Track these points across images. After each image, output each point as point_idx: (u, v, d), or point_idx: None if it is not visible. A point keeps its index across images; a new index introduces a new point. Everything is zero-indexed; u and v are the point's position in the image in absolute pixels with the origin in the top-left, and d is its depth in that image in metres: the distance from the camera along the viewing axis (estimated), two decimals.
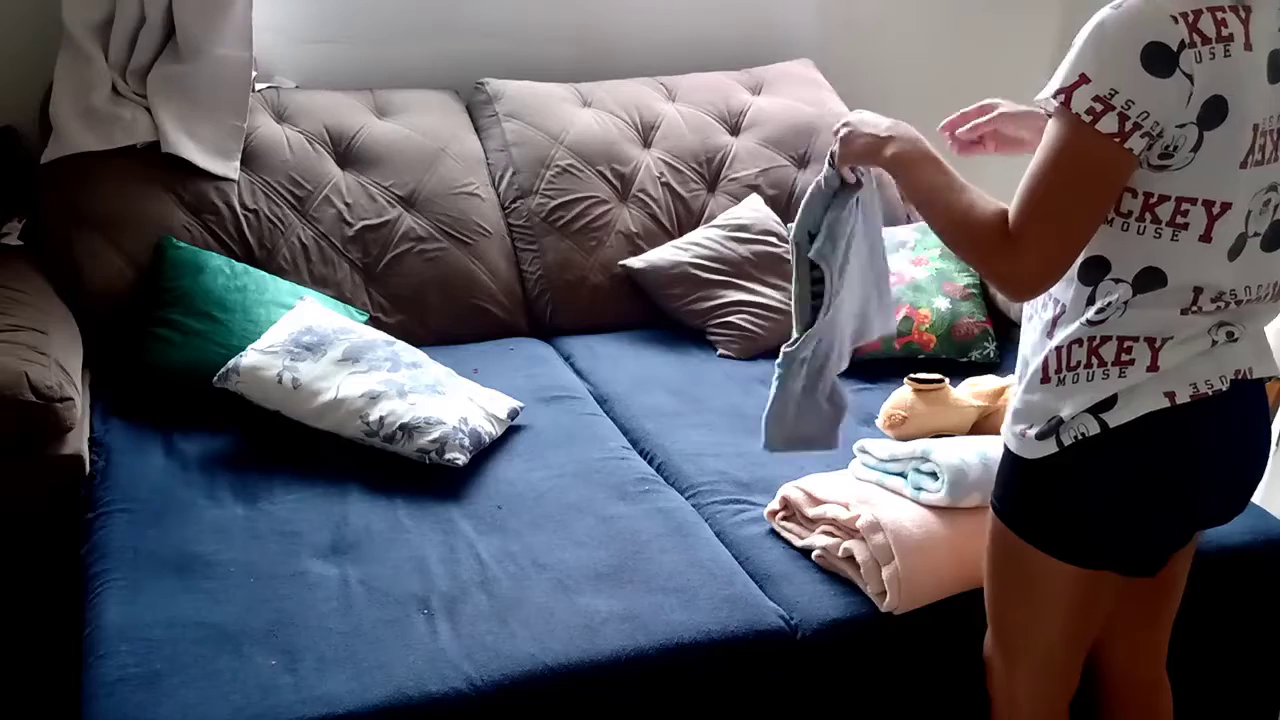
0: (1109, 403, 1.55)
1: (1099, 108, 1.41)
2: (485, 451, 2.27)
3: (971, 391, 2.33)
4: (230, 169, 2.68)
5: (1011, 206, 1.49)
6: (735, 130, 3.14)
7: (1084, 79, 1.42)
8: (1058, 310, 1.59)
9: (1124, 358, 1.55)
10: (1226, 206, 1.49)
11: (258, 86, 2.83)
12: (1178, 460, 1.59)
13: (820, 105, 3.25)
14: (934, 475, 1.99)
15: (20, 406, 2.03)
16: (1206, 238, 1.49)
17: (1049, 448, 1.58)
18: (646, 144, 3.05)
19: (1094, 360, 1.56)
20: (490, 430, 2.28)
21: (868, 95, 3.38)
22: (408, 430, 2.19)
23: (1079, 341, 1.56)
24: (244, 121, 2.72)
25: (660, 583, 1.94)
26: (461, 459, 2.18)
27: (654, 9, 3.27)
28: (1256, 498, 2.33)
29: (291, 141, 2.77)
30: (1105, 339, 1.55)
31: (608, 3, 3.22)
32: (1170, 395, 1.54)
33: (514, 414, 2.36)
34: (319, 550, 1.97)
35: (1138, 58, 1.40)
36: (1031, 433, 1.60)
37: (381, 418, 2.20)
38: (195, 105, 2.67)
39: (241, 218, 2.66)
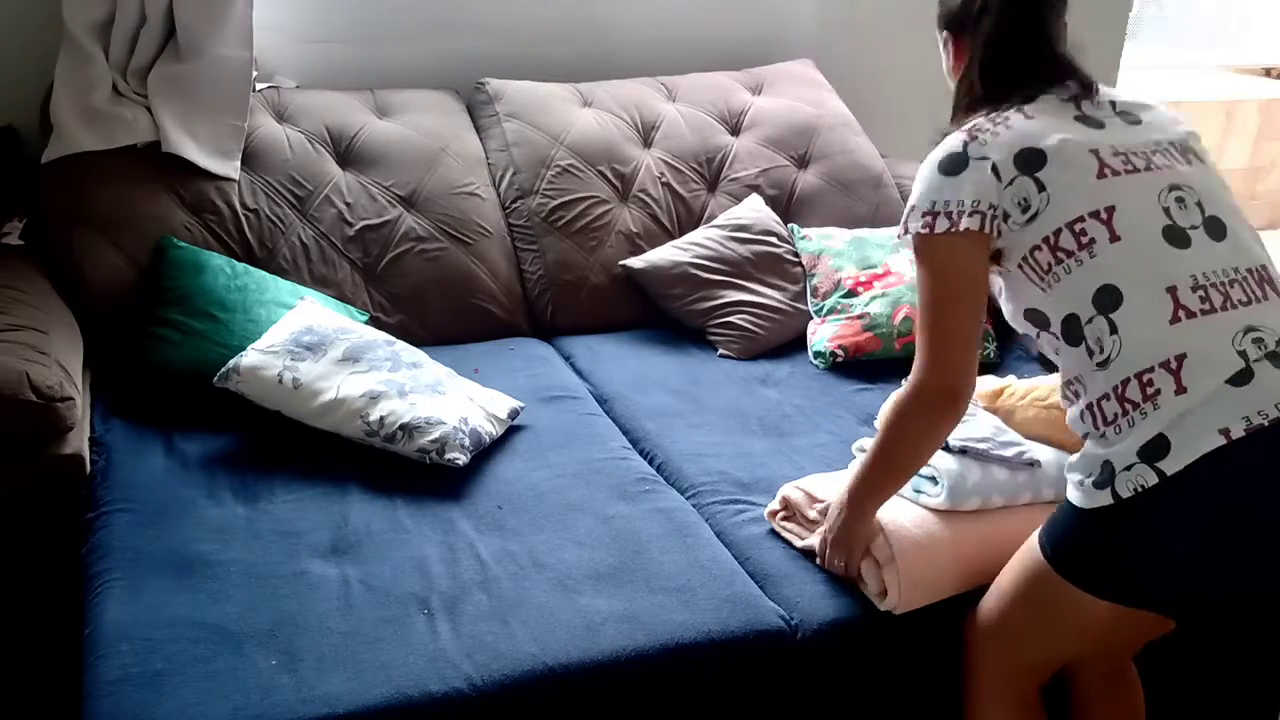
0: (1161, 448, 1.56)
1: (930, 219, 1.71)
2: (486, 451, 2.27)
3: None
4: (231, 169, 2.68)
5: (916, 351, 1.75)
6: (735, 130, 3.14)
7: (912, 210, 1.75)
8: (1076, 382, 1.69)
9: (1149, 390, 1.59)
10: (1111, 209, 1.65)
11: (258, 86, 2.83)
12: (1245, 496, 1.58)
13: (820, 105, 3.25)
14: (933, 480, 1.99)
15: (21, 406, 2.03)
16: (1115, 237, 1.64)
17: (1105, 498, 1.60)
18: (647, 144, 3.05)
19: (1126, 406, 1.60)
20: (490, 430, 2.28)
21: (868, 95, 3.39)
22: (408, 430, 2.19)
23: (1106, 396, 1.63)
24: (244, 121, 2.72)
25: (660, 583, 1.94)
26: (462, 459, 2.18)
27: (654, 9, 3.27)
28: None
29: (292, 141, 2.78)
30: (1125, 381, 1.60)
31: (608, 3, 3.22)
32: (1225, 432, 1.54)
33: (514, 414, 2.36)
34: (319, 550, 1.97)
35: (938, 172, 1.74)
36: (1089, 482, 1.63)
37: (382, 418, 2.20)
38: (196, 105, 2.67)
39: (242, 217, 2.66)
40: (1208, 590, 1.65)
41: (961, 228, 1.69)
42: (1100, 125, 1.75)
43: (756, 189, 3.05)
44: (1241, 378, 1.56)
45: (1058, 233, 1.67)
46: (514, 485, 2.19)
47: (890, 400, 1.83)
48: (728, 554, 2.05)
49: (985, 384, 2.30)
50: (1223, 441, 1.54)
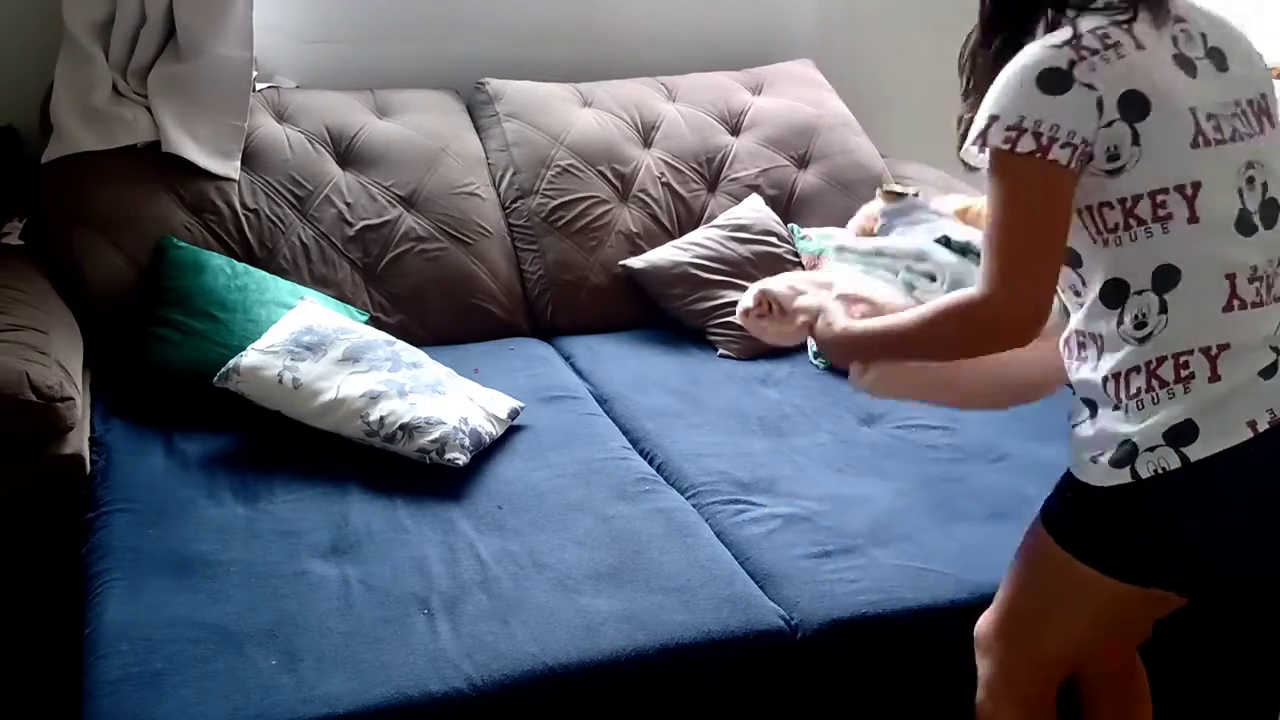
0: (1189, 433, 1.53)
1: (1014, 135, 1.52)
2: (485, 451, 2.27)
3: (947, 205, 2.03)
4: (231, 169, 2.68)
5: (982, 266, 1.57)
6: (735, 130, 3.14)
7: (994, 119, 1.54)
8: (1098, 344, 1.61)
9: (1183, 374, 1.54)
10: (1197, 186, 1.54)
11: (258, 86, 2.83)
12: (1264, 482, 1.57)
13: (820, 105, 3.25)
14: (931, 277, 1.78)
15: (21, 406, 2.03)
16: (1194, 219, 1.54)
17: (1123, 477, 1.56)
18: (647, 144, 3.05)
19: (1154, 383, 1.55)
20: (490, 430, 2.28)
21: (868, 95, 3.39)
22: (408, 430, 2.19)
23: (1136, 369, 1.56)
24: (244, 121, 2.72)
25: (660, 583, 1.94)
26: (462, 459, 2.18)
27: (654, 9, 3.27)
28: None
29: (292, 141, 2.78)
30: (1161, 359, 1.55)
31: (608, 3, 3.22)
32: (1252, 424, 1.52)
33: (514, 414, 2.36)
34: (319, 550, 1.97)
35: (1034, 85, 1.53)
36: (1104, 459, 1.58)
37: (382, 417, 2.20)
38: (196, 105, 2.67)
39: (242, 217, 2.66)
40: (1218, 571, 1.64)
41: (1050, 156, 1.52)
42: (1194, 71, 1.60)
43: (756, 189, 3.05)
44: (1271, 369, 1.55)
45: (1137, 198, 1.55)
46: (514, 485, 2.19)
47: (952, 297, 1.63)
48: (728, 554, 2.05)
49: (950, 202, 2.09)
50: (1250, 435, 1.52)
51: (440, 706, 1.69)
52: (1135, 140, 1.53)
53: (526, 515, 2.10)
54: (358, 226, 2.74)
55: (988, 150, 1.54)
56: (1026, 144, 1.51)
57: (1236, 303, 1.54)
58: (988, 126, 1.54)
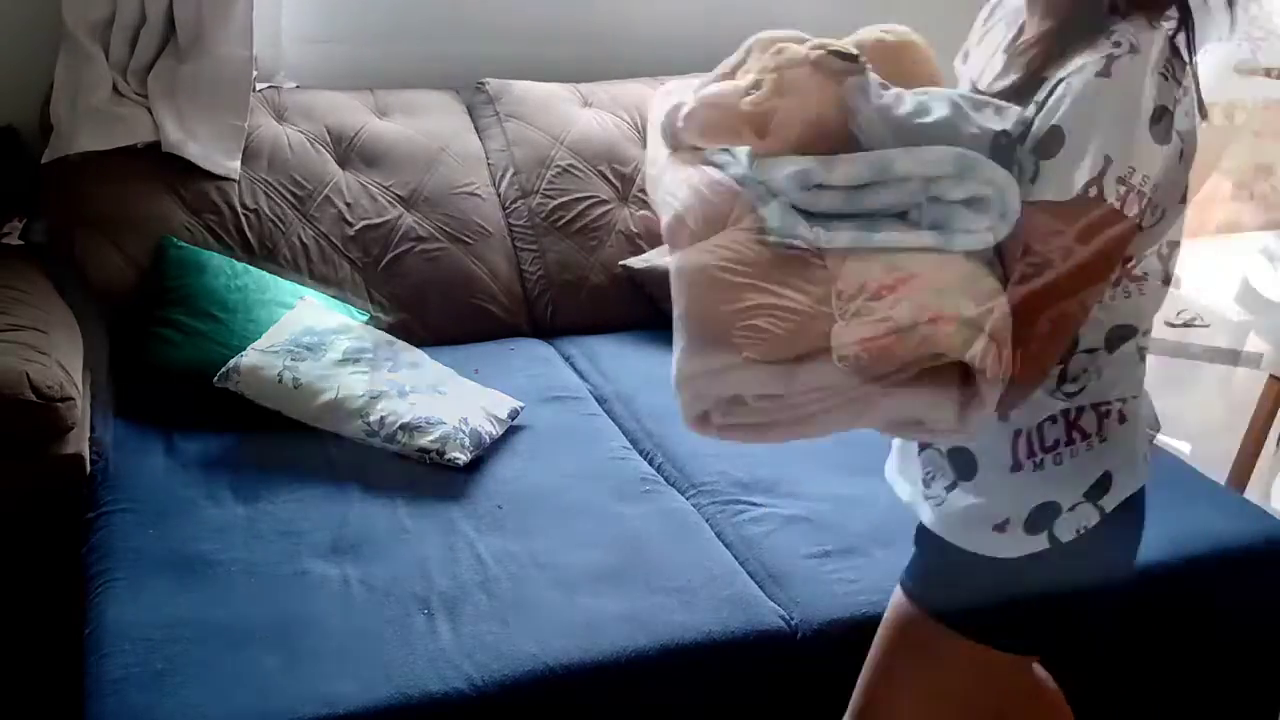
0: (1104, 485, 1.41)
1: (1123, 189, 1.24)
2: (486, 451, 2.27)
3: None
4: (231, 169, 2.68)
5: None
6: None
7: (1107, 161, 1.24)
8: None
9: (1104, 422, 1.41)
10: (1174, 245, 1.40)
11: (258, 86, 2.83)
12: (1143, 520, 1.50)
13: None
14: (969, 203, 1.31)
15: (21, 406, 2.03)
16: (1167, 279, 1.41)
17: (1039, 544, 1.40)
18: (646, 144, 3.04)
19: (1075, 435, 1.40)
20: (491, 430, 2.28)
21: None
22: (408, 430, 2.19)
23: (1052, 419, 1.40)
24: (244, 121, 2.72)
25: (661, 583, 1.94)
26: (462, 459, 2.18)
27: (654, 9, 3.27)
28: (1256, 497, 2.33)
29: (292, 141, 2.78)
30: (1080, 410, 1.40)
31: (608, 3, 3.22)
32: (1144, 457, 1.46)
33: (514, 414, 2.36)
34: (320, 550, 1.97)
35: (1146, 127, 1.25)
36: (1015, 527, 1.41)
37: (382, 417, 2.20)
38: (196, 105, 2.67)
39: (242, 217, 2.66)
40: (1115, 614, 1.58)
41: (1140, 224, 1.26)
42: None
43: None
44: (1144, 405, 1.49)
45: (1135, 261, 1.37)
46: (514, 485, 2.19)
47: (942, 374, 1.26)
48: (728, 554, 2.05)
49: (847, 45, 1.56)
50: (1146, 471, 1.45)
51: (440, 706, 1.69)
52: (1164, 198, 1.31)
53: (527, 515, 2.10)
54: (358, 226, 2.74)
55: (1091, 197, 1.23)
56: (1132, 206, 1.24)
57: (1144, 350, 1.45)
58: (1102, 174, 1.24)
